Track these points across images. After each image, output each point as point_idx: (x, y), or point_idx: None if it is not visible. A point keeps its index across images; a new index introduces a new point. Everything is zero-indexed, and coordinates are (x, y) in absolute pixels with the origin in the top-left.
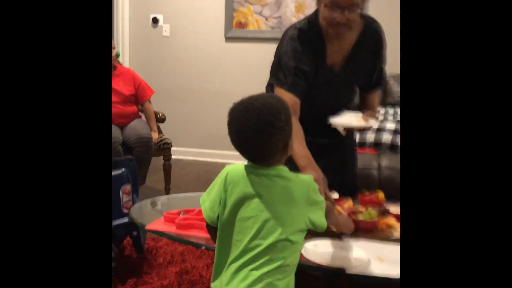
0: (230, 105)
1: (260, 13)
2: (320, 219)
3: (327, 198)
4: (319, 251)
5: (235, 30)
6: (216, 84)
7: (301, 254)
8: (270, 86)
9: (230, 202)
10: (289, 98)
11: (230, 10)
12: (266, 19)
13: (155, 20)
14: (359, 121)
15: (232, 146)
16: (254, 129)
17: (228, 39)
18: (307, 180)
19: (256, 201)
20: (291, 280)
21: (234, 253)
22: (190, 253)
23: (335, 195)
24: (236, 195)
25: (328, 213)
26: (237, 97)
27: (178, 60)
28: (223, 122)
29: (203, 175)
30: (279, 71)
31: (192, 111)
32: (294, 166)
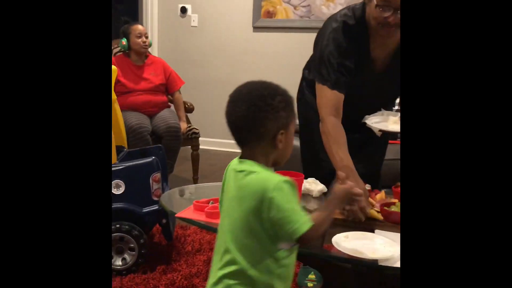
0: None
1: (288, 2)
2: (280, 229)
3: (363, 211)
4: (350, 243)
5: (263, 20)
6: (245, 74)
7: (332, 245)
8: (307, 81)
9: (221, 189)
10: (333, 96)
11: None
12: (295, 8)
13: (183, 10)
14: (395, 123)
15: None
16: (244, 100)
17: (256, 28)
18: (270, 181)
19: (226, 198)
20: None
21: (215, 247)
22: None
23: (368, 187)
24: (222, 185)
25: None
26: None
27: (206, 50)
28: None
29: None
30: (322, 67)
31: (219, 101)
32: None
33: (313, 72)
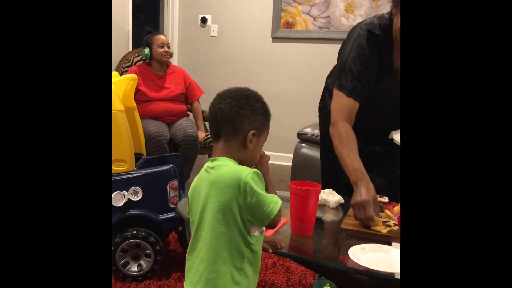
0: (276, 105)
1: (308, 13)
2: (255, 213)
3: (369, 218)
4: (366, 255)
5: (283, 30)
6: (262, 84)
7: (348, 257)
8: (330, 91)
9: (188, 195)
10: (348, 103)
11: (278, 10)
12: (314, 19)
13: (203, 20)
14: None
15: (275, 147)
16: (231, 96)
17: (275, 39)
18: (243, 171)
19: (198, 198)
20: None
21: (190, 243)
22: None
23: (385, 199)
24: (191, 188)
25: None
26: (283, 97)
27: (225, 59)
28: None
29: None
30: (342, 73)
31: None
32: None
33: (333, 77)
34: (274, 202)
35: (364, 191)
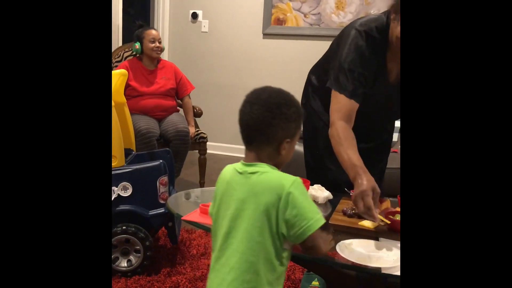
0: None
1: (299, 10)
2: (293, 227)
3: (368, 208)
4: (354, 249)
5: (273, 27)
6: (253, 80)
7: (336, 252)
8: (314, 87)
9: (215, 198)
10: (349, 104)
11: (269, 6)
12: (305, 15)
13: (194, 16)
14: None
15: None
16: (262, 104)
17: (266, 35)
18: (286, 179)
19: (231, 201)
20: None
21: (216, 247)
22: None
23: None
24: (219, 191)
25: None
26: None
27: (215, 55)
28: None
29: None
30: (341, 75)
31: (228, 106)
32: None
33: (330, 79)
34: (316, 219)
35: (364, 181)
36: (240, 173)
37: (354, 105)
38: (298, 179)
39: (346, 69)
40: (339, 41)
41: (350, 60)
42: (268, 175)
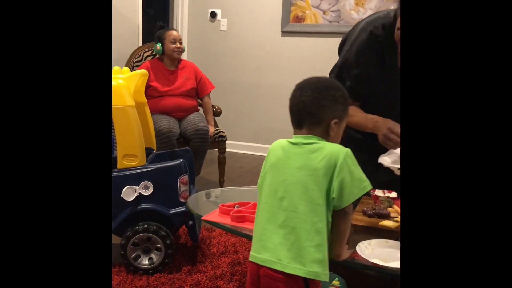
0: (285, 99)
1: (318, 7)
2: (344, 191)
3: (396, 134)
4: (374, 250)
5: (292, 24)
6: (272, 79)
7: (356, 253)
8: None
9: (265, 167)
10: None
11: (287, 4)
12: (324, 12)
13: (213, 15)
14: None
15: None
16: (311, 87)
17: (285, 33)
18: (341, 149)
19: (282, 166)
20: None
21: (267, 217)
22: (243, 245)
23: (393, 194)
24: (270, 161)
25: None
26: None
27: (234, 54)
28: (278, 116)
29: (257, 169)
30: (340, 74)
31: (247, 105)
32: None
33: (332, 75)
34: (363, 186)
35: (384, 121)
36: (295, 143)
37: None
38: (349, 150)
39: (344, 67)
40: (346, 39)
41: (350, 60)
42: (324, 144)
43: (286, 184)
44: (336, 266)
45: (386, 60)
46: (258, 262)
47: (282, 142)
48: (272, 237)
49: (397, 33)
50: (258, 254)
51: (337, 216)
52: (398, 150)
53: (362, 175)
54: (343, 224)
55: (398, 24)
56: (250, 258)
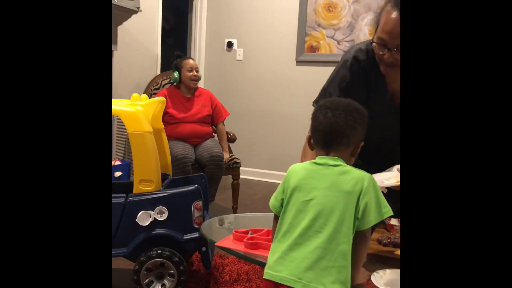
0: (300, 127)
1: (332, 37)
2: (369, 214)
3: None
4: (389, 279)
5: (307, 54)
6: (286, 107)
7: (371, 282)
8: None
9: (286, 189)
10: None
11: (302, 34)
12: (339, 42)
13: (229, 44)
14: (391, 178)
15: None
16: (344, 110)
17: (299, 62)
18: (364, 174)
19: (308, 186)
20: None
21: (290, 236)
22: (255, 273)
23: (394, 221)
24: (292, 182)
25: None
26: (306, 120)
27: (249, 83)
28: (292, 144)
29: (270, 196)
30: (323, 96)
31: (261, 132)
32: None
33: (316, 99)
34: (386, 211)
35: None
36: (320, 164)
37: None
38: (372, 176)
39: (327, 93)
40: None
41: (332, 85)
42: (349, 168)
43: (313, 204)
44: None
45: (372, 84)
46: (276, 280)
47: (302, 164)
48: (293, 255)
49: (378, 56)
50: (276, 272)
51: (357, 239)
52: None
53: (385, 201)
54: (362, 247)
55: (376, 51)
56: (266, 276)
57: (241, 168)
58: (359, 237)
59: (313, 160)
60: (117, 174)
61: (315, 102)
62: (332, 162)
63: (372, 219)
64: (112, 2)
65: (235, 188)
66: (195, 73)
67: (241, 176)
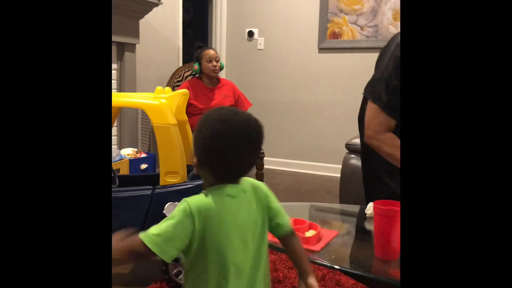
0: (324, 116)
1: (355, 23)
2: (284, 218)
3: None
4: None
5: (329, 41)
6: (309, 95)
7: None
8: (365, 99)
9: (209, 231)
10: (382, 117)
11: (324, 21)
12: (362, 28)
13: (250, 34)
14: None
15: (323, 158)
16: (255, 141)
17: (322, 49)
18: (260, 183)
19: (235, 221)
20: None
21: (238, 277)
22: (282, 262)
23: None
24: (213, 223)
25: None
26: (330, 108)
27: (271, 72)
28: (316, 133)
29: (294, 185)
30: (378, 87)
31: (285, 122)
32: None
33: (369, 89)
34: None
35: None
36: (233, 196)
37: (387, 118)
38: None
39: (383, 80)
40: (382, 52)
41: (388, 72)
42: (247, 181)
43: (254, 235)
44: (381, 285)
45: None
46: None
47: (204, 199)
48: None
49: None
50: None
51: (286, 238)
52: None
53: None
54: (297, 239)
55: None
56: None
57: (264, 158)
58: (286, 240)
59: (216, 191)
60: (143, 166)
61: (367, 94)
62: (242, 188)
63: (286, 221)
64: None
65: (259, 178)
66: (214, 63)
67: (265, 166)
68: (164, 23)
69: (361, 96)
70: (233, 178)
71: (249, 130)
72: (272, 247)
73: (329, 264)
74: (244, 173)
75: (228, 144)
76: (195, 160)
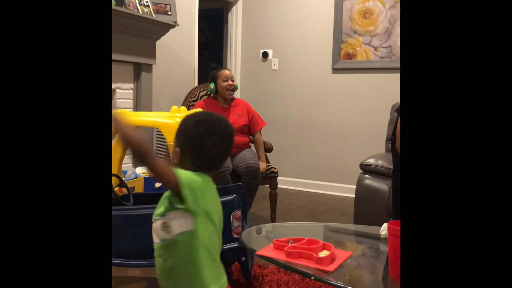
0: (337, 136)
1: (369, 44)
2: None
3: None
4: None
5: (343, 61)
6: (323, 115)
7: None
8: (396, 118)
9: (203, 206)
10: None
11: (338, 42)
12: (376, 49)
13: (265, 55)
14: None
15: (338, 178)
16: (231, 136)
17: (336, 70)
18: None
19: (211, 198)
20: None
21: (215, 255)
22: (295, 284)
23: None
24: (206, 201)
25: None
26: (344, 128)
27: (285, 92)
28: (330, 153)
29: (308, 205)
30: None
31: (298, 141)
32: None
33: (397, 106)
34: None
35: None
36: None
37: None
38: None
39: None
40: None
41: None
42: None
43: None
44: None
45: None
46: None
47: (199, 178)
48: (221, 271)
49: None
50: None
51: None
52: None
53: None
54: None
55: None
56: None
57: (278, 177)
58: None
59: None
60: (158, 184)
61: (397, 110)
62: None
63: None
64: (151, 17)
65: (273, 198)
66: (230, 82)
67: (278, 186)
68: (180, 44)
69: (378, 116)
70: (209, 167)
71: (226, 124)
72: (285, 267)
73: (343, 285)
74: (218, 164)
75: (210, 127)
76: (177, 150)
